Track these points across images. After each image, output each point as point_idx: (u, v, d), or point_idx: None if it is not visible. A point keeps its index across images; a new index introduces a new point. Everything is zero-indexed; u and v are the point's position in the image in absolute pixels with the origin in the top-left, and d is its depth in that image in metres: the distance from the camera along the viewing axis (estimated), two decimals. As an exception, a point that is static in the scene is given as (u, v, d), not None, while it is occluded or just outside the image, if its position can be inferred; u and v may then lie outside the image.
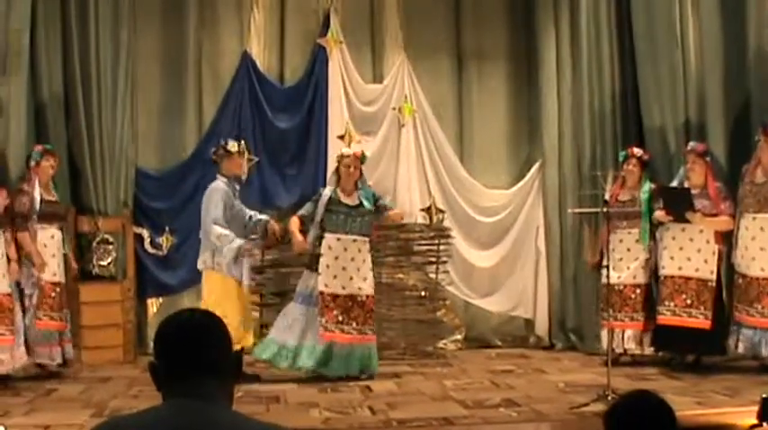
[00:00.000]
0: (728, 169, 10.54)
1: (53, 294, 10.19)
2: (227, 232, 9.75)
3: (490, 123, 12.76)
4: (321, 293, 9.93)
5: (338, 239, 9.99)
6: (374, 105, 12.45)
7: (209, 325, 2.90)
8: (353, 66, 12.39)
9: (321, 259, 9.98)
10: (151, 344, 11.42)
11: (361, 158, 10.25)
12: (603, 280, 10.37)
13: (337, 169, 10.24)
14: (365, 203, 10.07)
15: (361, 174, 10.26)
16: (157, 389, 2.86)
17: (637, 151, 10.86)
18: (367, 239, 10.11)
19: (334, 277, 9.95)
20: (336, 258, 9.97)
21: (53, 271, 10.23)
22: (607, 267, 9.37)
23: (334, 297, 9.91)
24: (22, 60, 10.67)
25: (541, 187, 12.51)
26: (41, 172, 10.23)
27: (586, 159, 11.94)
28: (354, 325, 9.92)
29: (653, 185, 10.61)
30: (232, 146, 10.15)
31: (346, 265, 9.97)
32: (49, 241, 10.25)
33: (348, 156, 10.22)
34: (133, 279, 11.62)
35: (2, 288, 9.59)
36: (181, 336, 2.85)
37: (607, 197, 9.50)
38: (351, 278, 9.96)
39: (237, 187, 10.19)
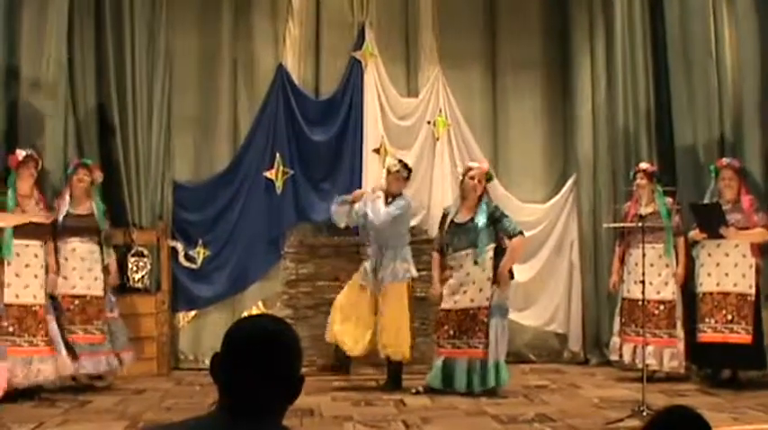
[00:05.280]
0: (765, 186, 10.48)
1: (71, 307, 10.18)
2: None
3: (525, 137, 12.74)
4: None
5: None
6: (409, 119, 12.44)
7: (285, 337, 2.78)
8: (388, 79, 12.39)
9: None
10: (183, 358, 11.57)
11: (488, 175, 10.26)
12: (624, 294, 10.39)
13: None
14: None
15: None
16: (214, 381, 2.76)
17: (643, 165, 10.85)
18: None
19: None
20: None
21: (87, 284, 10.26)
22: (642, 282, 9.26)
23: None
24: (62, 72, 10.76)
25: (576, 201, 12.47)
26: (72, 186, 10.30)
27: (621, 174, 11.89)
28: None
29: (669, 199, 10.55)
30: (393, 165, 10.38)
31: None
32: (88, 255, 10.30)
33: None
34: (167, 292, 11.64)
35: (38, 299, 9.65)
36: (252, 343, 2.73)
37: (642, 212, 9.46)
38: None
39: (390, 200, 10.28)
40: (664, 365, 10.46)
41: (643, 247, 9.12)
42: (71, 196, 10.29)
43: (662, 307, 10.50)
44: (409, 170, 10.38)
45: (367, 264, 10.21)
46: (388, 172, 10.23)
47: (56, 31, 10.68)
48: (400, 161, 10.51)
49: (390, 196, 10.17)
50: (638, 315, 10.14)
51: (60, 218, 10.12)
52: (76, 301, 10.20)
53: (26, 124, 10.48)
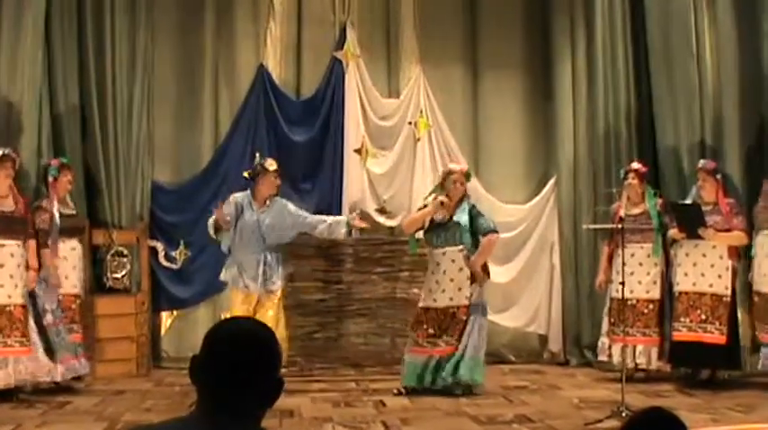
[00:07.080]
0: (744, 189, 10.53)
1: (73, 306, 10.23)
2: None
3: (506, 138, 12.72)
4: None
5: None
6: (390, 120, 12.43)
7: (264, 340, 2.78)
8: (370, 79, 12.38)
9: None
10: (164, 356, 11.54)
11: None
12: (613, 294, 10.39)
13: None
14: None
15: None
16: (192, 383, 2.76)
17: (635, 165, 10.86)
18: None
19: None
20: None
21: (73, 283, 10.29)
22: (622, 283, 9.26)
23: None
24: (38, 72, 10.70)
25: (556, 203, 12.47)
26: (60, 187, 10.25)
27: (601, 175, 11.92)
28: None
29: (659, 200, 10.59)
30: (270, 164, 10.19)
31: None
32: (69, 253, 10.30)
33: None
34: (147, 292, 11.59)
35: (15, 299, 9.57)
36: (231, 346, 2.72)
37: (622, 214, 9.48)
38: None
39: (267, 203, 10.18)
40: (652, 364, 10.51)
41: (623, 248, 9.17)
42: (58, 197, 10.25)
43: (651, 306, 10.55)
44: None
45: (248, 271, 10.09)
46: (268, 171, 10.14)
47: (33, 31, 10.62)
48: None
49: (267, 198, 10.18)
50: (627, 314, 10.17)
51: (57, 221, 10.06)
52: (78, 301, 10.37)
53: (2, 124, 10.42)
